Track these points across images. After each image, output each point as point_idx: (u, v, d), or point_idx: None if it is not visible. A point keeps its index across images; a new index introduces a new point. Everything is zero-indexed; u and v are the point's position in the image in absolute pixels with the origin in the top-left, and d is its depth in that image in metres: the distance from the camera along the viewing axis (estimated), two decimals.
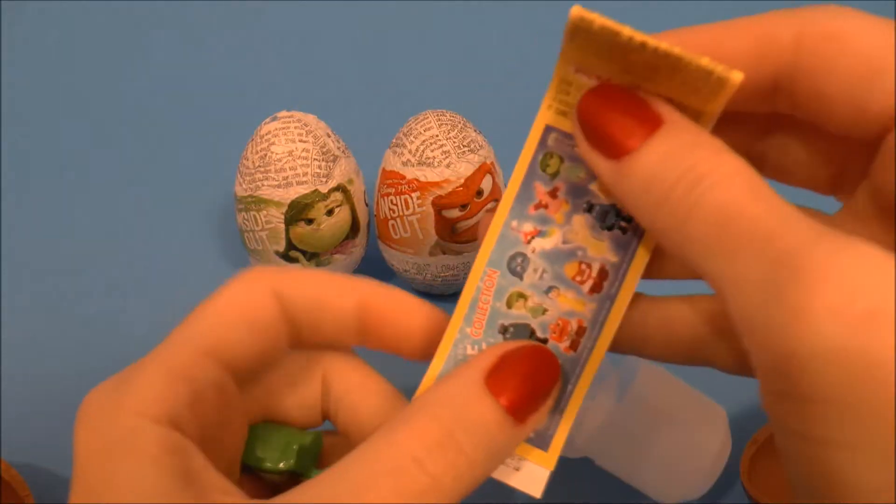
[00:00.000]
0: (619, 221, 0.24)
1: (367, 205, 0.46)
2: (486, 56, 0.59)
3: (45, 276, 0.48)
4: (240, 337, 0.23)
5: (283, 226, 0.43)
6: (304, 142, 0.42)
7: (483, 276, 0.25)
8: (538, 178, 0.25)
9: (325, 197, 0.43)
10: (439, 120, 0.43)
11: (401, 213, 0.43)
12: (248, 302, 0.24)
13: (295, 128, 0.43)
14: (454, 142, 0.42)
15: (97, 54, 0.60)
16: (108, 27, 0.62)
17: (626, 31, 0.21)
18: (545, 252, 0.25)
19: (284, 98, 0.48)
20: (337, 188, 0.43)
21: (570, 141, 0.24)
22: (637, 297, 0.25)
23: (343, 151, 0.44)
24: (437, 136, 0.42)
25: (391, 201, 0.43)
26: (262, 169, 0.42)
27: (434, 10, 0.62)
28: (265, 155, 0.42)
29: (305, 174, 0.42)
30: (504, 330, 0.25)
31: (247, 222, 0.44)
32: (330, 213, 0.43)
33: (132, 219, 0.51)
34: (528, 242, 0.25)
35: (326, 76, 0.58)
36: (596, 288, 0.25)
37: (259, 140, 0.43)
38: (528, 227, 0.25)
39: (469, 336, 0.25)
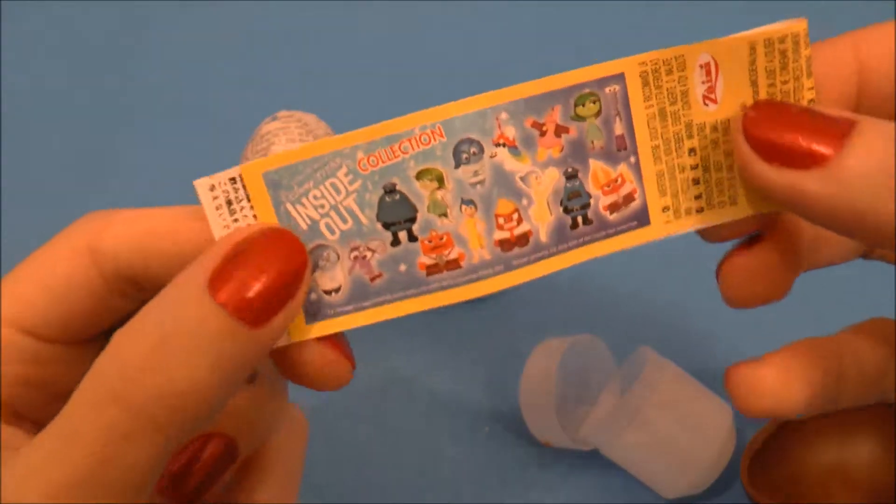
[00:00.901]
0: (578, 214, 0.21)
1: None
2: (485, 56, 0.59)
3: None
4: (43, 304, 0.22)
5: None
6: (304, 141, 0.42)
7: (428, 127, 0.20)
8: (562, 104, 0.21)
9: None
10: None
11: None
12: (52, 266, 0.22)
13: (295, 127, 0.43)
14: None
15: (97, 54, 0.60)
16: (108, 27, 0.62)
17: (812, 79, 0.22)
18: (500, 169, 0.20)
19: (284, 98, 0.48)
20: None
21: (622, 109, 0.21)
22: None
23: None
24: None
25: None
26: None
27: (434, 10, 0.62)
28: (265, 155, 0.42)
29: None
30: (390, 189, 0.20)
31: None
32: None
33: None
34: (496, 145, 0.20)
35: (326, 76, 0.58)
36: (506, 245, 0.21)
37: (259, 140, 0.43)
38: (510, 133, 0.20)
39: (355, 161, 0.20)
